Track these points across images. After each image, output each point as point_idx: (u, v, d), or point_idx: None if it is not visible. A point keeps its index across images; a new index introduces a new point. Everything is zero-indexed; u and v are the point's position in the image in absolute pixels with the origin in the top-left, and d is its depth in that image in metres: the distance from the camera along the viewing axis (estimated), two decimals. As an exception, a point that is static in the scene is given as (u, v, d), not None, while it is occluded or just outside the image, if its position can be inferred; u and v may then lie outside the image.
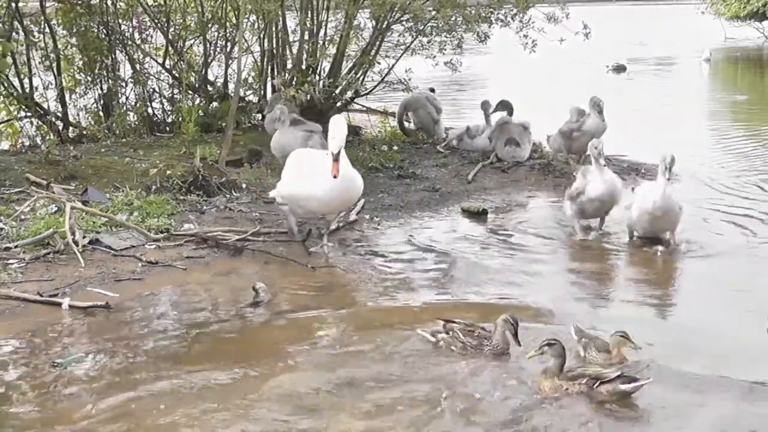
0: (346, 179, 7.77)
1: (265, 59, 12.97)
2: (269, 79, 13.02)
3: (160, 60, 13.16)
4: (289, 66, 12.81)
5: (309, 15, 12.66)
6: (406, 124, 13.18)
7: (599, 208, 8.74)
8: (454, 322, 6.00)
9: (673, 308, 7.08)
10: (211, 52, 13.25)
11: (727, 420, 5.08)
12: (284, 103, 10.66)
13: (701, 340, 6.18)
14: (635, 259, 8.31)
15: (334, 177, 7.56)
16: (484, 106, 12.31)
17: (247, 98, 13.11)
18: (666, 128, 14.85)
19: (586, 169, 8.92)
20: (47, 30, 12.59)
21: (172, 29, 13.08)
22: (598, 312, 6.81)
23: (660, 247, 8.23)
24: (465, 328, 5.95)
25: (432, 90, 13.72)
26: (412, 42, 13.01)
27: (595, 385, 5.18)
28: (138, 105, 12.96)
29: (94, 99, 12.95)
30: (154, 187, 9.53)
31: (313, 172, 7.85)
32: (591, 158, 8.71)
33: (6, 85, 12.35)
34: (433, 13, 12.26)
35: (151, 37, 13.32)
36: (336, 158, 7.54)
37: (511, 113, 12.04)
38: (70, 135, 12.55)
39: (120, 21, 12.94)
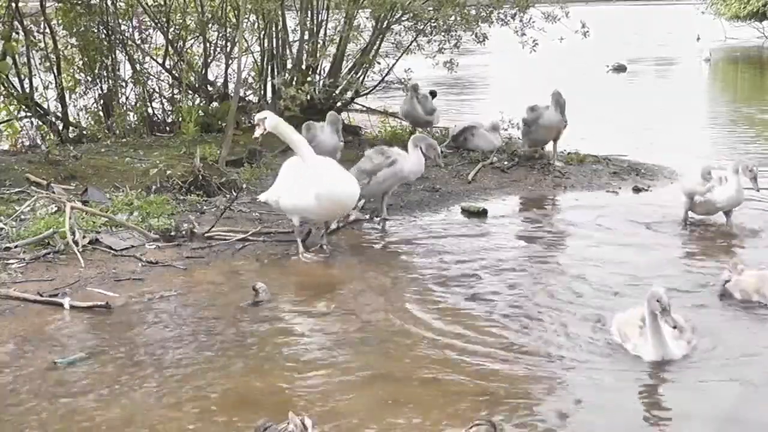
0: (336, 190, 7.75)
1: (265, 59, 12.97)
2: (269, 79, 13.03)
3: (160, 60, 13.17)
4: (289, 66, 12.81)
5: (309, 15, 12.66)
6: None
7: None
8: None
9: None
10: (211, 52, 13.27)
11: None
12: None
13: None
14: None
15: (255, 138, 8.00)
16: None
17: (247, 98, 13.11)
18: (666, 128, 14.87)
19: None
20: (47, 30, 12.60)
21: (172, 29, 13.10)
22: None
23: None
24: None
25: (434, 93, 13.61)
26: (411, 42, 13.01)
27: None
28: (138, 105, 12.97)
29: (94, 99, 12.97)
30: (154, 187, 9.54)
31: (300, 184, 7.80)
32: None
33: (6, 85, 12.35)
34: (432, 12, 12.24)
35: (151, 37, 13.34)
36: (257, 122, 7.86)
37: None
38: (70, 135, 12.55)
39: (120, 21, 12.96)
